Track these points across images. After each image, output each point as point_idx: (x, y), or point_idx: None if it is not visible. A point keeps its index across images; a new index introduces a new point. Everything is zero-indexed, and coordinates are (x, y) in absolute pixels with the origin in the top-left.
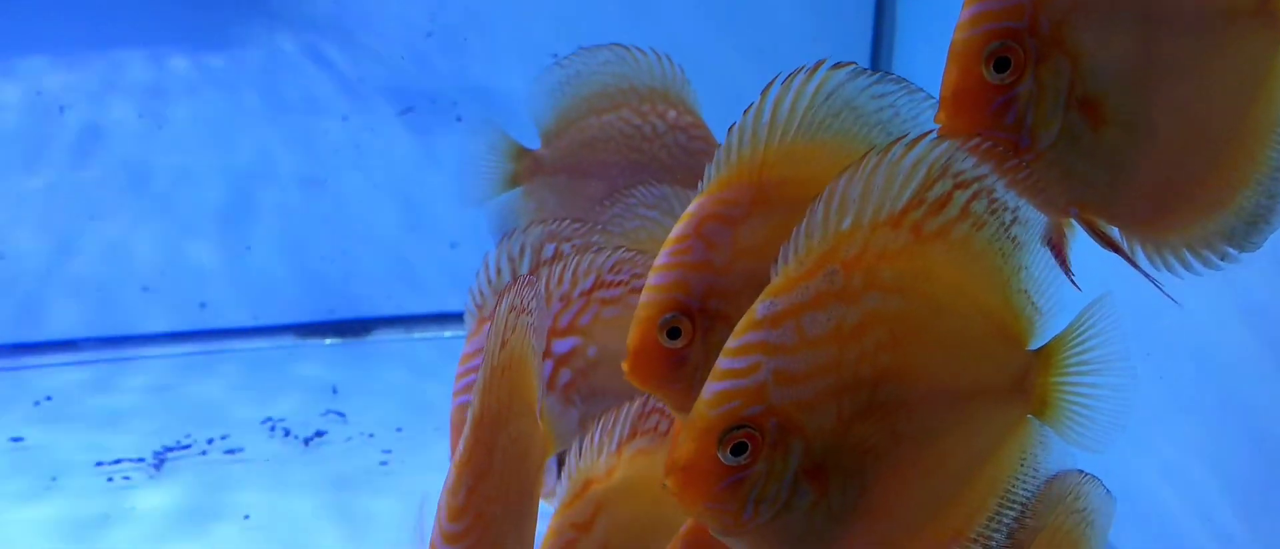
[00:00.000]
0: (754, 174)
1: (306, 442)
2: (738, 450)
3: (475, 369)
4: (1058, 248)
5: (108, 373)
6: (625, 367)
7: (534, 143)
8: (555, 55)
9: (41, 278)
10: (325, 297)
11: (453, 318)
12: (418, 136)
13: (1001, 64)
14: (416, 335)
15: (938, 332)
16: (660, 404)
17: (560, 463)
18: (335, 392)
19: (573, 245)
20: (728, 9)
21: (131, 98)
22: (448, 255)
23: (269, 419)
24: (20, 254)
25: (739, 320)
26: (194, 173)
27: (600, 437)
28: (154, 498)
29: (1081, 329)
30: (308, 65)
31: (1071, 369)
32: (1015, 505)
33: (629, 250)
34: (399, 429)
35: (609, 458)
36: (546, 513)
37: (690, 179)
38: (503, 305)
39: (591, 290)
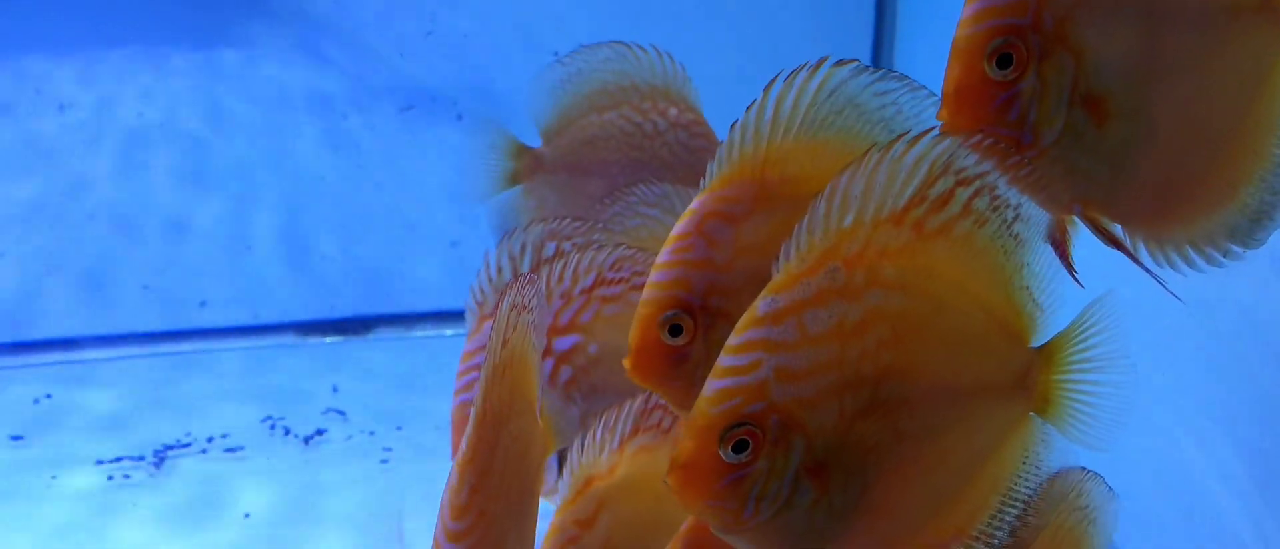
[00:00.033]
0: (756, 171)
1: (307, 440)
2: (739, 448)
3: (476, 368)
4: (1060, 245)
5: (108, 371)
6: (627, 364)
7: (535, 141)
8: (556, 53)
9: (41, 276)
10: (326, 295)
11: (453, 316)
12: (418, 135)
13: (1004, 60)
14: (417, 334)
15: (940, 329)
16: (663, 401)
17: (561, 461)
18: (336, 390)
19: (573, 243)
20: (728, 7)
21: (130, 96)
22: (448, 254)
23: (269, 418)
24: (19, 252)
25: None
26: (194, 171)
27: (602, 434)
28: (154, 496)
29: (1084, 327)
30: (308, 64)
31: (1074, 367)
32: (1017, 503)
33: (630, 248)
34: (399, 428)
35: (611, 455)
36: (547, 512)
37: (691, 177)
38: (504, 304)
39: (592, 288)
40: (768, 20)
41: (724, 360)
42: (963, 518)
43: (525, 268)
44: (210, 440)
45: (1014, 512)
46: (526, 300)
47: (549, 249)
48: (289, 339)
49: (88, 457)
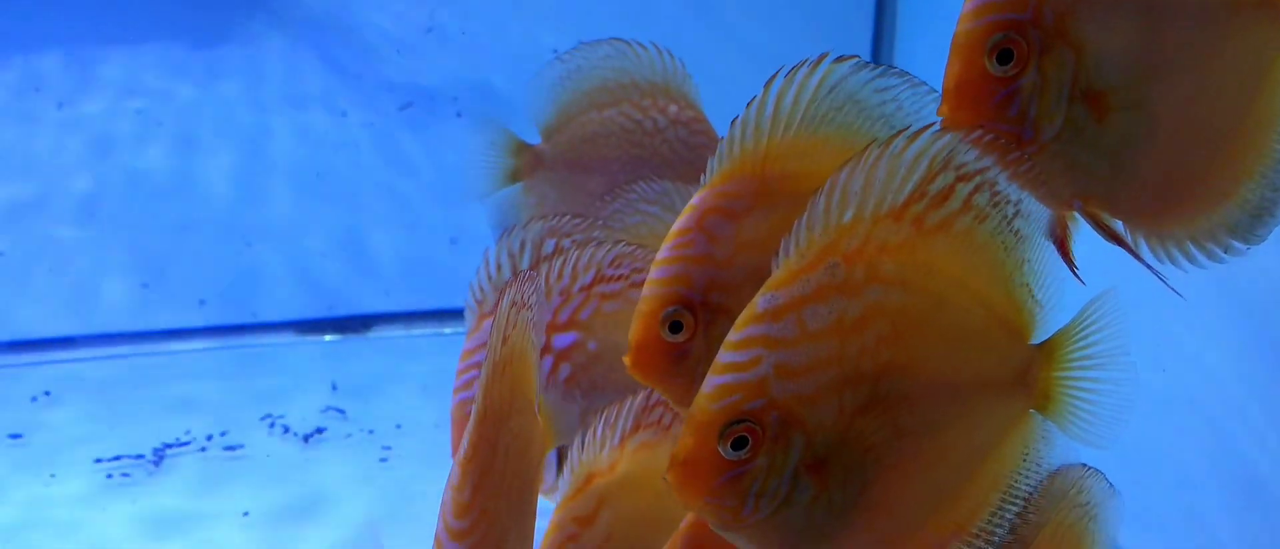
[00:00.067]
0: (757, 167)
1: (306, 438)
2: (738, 445)
3: (476, 366)
4: (1061, 241)
5: (107, 370)
6: (627, 360)
7: (534, 138)
8: (555, 50)
9: (39, 275)
10: (325, 293)
11: (453, 314)
12: (417, 132)
13: (1005, 56)
14: (416, 332)
15: (940, 325)
16: (664, 398)
17: (560, 458)
18: (335, 389)
19: (573, 241)
20: (728, 3)
21: (130, 94)
22: (448, 251)
23: (268, 416)
24: (17, 250)
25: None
26: (193, 169)
27: (603, 430)
28: (153, 495)
29: (1085, 323)
30: (307, 61)
31: (1074, 364)
32: (1017, 500)
33: (629, 245)
34: (399, 426)
35: (612, 452)
36: (546, 510)
37: (691, 174)
38: (504, 301)
39: (592, 285)
40: (768, 17)
41: (723, 357)
42: (963, 515)
43: (525, 265)
44: (209, 439)
45: (1014, 509)
46: (526, 297)
47: (548, 246)
48: (288, 337)
49: (86, 455)
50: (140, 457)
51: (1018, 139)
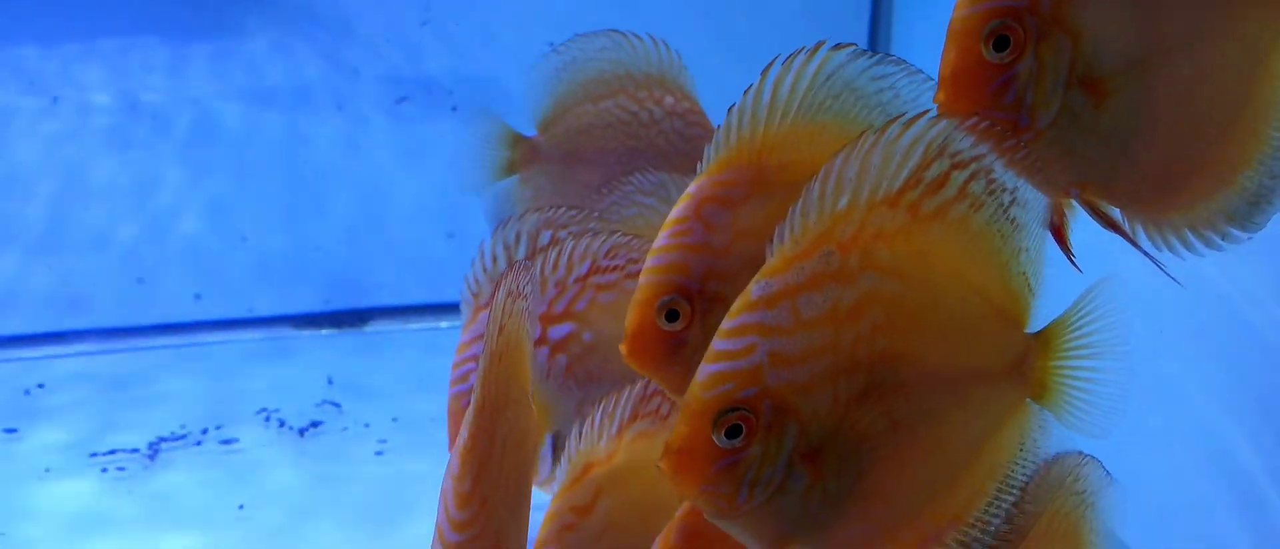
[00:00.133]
0: (753, 156)
1: (302, 432)
2: (732, 433)
3: (472, 359)
4: (1058, 229)
5: (103, 364)
6: (623, 349)
7: (530, 130)
8: (551, 43)
9: (34, 268)
10: (321, 287)
11: (449, 308)
12: (413, 126)
13: (1001, 43)
14: (413, 326)
15: (935, 313)
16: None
17: (556, 450)
18: (331, 382)
19: (569, 232)
20: None
21: (126, 87)
22: (444, 245)
23: (264, 410)
24: (12, 244)
25: None
26: (188, 163)
27: (601, 420)
28: (148, 488)
29: (1081, 312)
30: (303, 55)
31: (1071, 353)
32: (1014, 490)
33: (625, 235)
34: (395, 419)
35: (609, 442)
36: (541, 502)
37: (688, 166)
38: (500, 291)
39: (587, 276)
40: (764, 6)
41: (717, 345)
42: (959, 504)
43: (520, 257)
44: (205, 432)
45: (1010, 498)
46: (521, 287)
47: (544, 238)
48: (284, 331)
49: (82, 449)
50: (136, 451)
51: (1014, 126)
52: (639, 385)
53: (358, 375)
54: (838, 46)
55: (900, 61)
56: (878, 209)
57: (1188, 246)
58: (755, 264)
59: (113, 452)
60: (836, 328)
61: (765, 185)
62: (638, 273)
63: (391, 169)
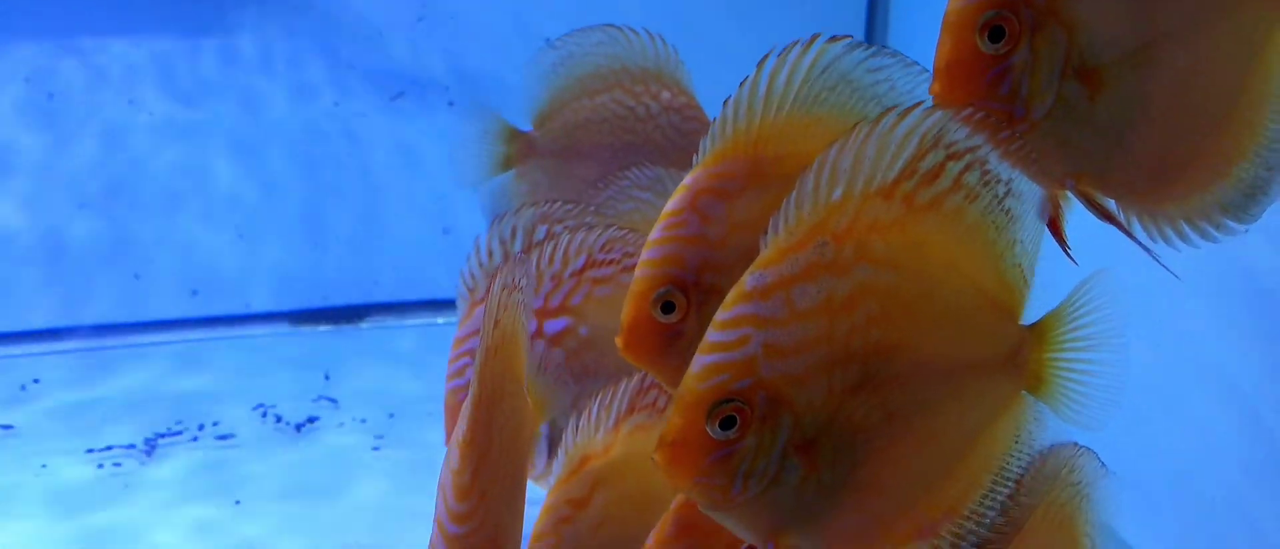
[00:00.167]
0: (749, 148)
1: (298, 428)
2: (726, 425)
3: (468, 354)
4: (1053, 220)
5: (99, 360)
6: (619, 342)
7: (526, 125)
8: (547, 38)
9: (32, 265)
10: (317, 283)
11: (445, 304)
12: (409, 122)
13: (996, 33)
14: (409, 322)
15: (930, 305)
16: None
17: (551, 444)
18: (327, 378)
19: (565, 227)
20: None
21: (121, 84)
22: (440, 241)
23: (261, 405)
24: (9, 240)
25: None
26: (184, 160)
27: (598, 413)
28: (145, 484)
29: (1077, 304)
30: (298, 51)
31: (1067, 345)
32: (1009, 482)
33: (621, 229)
34: (391, 415)
35: (606, 434)
36: (536, 497)
37: (684, 160)
38: (496, 284)
39: (583, 270)
40: (761, 1)
41: (712, 336)
42: (954, 496)
43: (516, 252)
44: (201, 428)
45: (1006, 490)
46: (517, 280)
47: (540, 233)
48: (281, 327)
49: (78, 445)
50: (132, 447)
51: (1009, 117)
52: (635, 378)
53: (354, 372)
54: (833, 38)
55: (896, 53)
56: (872, 200)
57: (1183, 238)
58: (751, 256)
59: (109, 447)
60: (831, 319)
61: (761, 177)
62: (634, 267)
63: (388, 165)
